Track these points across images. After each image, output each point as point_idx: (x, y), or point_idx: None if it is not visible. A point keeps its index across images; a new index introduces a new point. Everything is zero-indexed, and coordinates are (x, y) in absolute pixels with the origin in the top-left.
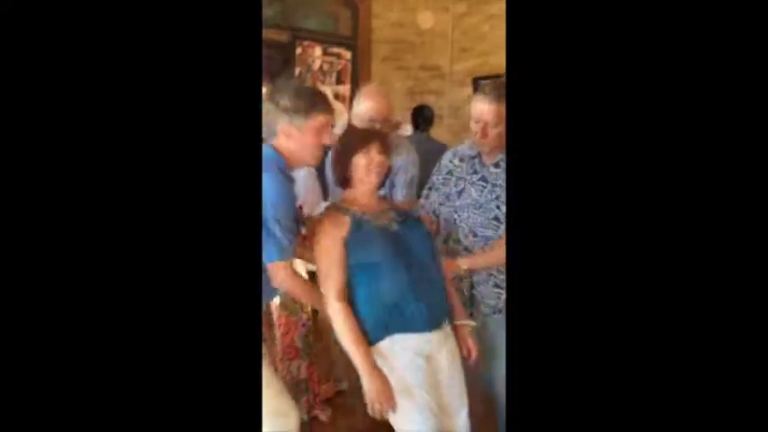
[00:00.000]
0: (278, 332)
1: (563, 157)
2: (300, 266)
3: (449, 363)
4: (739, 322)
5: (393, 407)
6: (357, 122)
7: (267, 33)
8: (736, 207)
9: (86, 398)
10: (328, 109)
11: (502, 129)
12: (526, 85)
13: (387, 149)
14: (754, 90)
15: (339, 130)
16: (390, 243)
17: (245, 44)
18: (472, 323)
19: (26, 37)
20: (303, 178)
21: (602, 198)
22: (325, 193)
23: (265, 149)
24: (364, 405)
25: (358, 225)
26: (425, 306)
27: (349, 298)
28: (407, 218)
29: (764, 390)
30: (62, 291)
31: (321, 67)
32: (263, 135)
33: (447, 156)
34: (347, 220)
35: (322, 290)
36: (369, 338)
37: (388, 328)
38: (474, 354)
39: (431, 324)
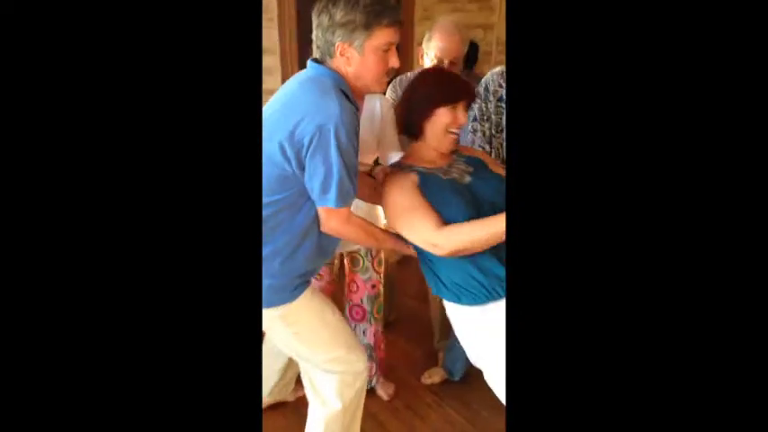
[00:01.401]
0: (346, 288)
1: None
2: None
3: None
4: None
5: None
6: (426, 62)
7: None
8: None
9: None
10: (395, 20)
11: None
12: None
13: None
14: (754, 90)
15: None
16: (465, 197)
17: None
18: None
19: (26, 37)
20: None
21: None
22: None
23: (319, 69)
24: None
25: (426, 177)
26: None
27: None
28: (476, 167)
29: (765, 390)
30: (58, 286)
31: None
32: (317, 56)
33: (492, 79)
34: (413, 174)
35: (411, 235)
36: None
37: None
38: None
39: None
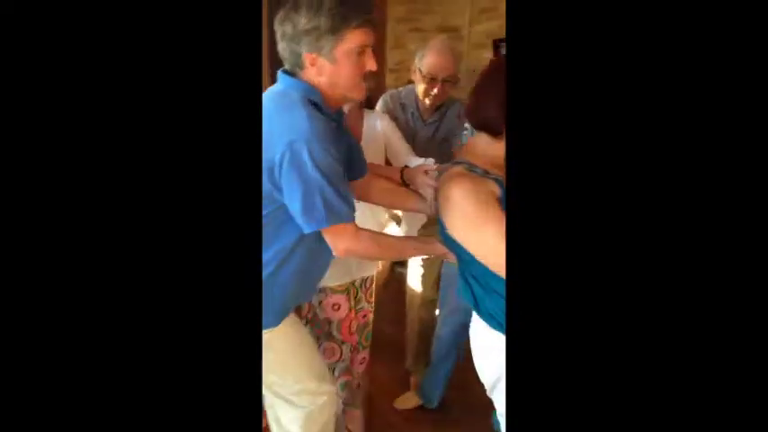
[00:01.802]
0: (335, 314)
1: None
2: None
3: None
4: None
5: None
6: (418, 79)
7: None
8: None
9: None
10: (366, 20)
11: None
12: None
13: None
14: (754, 90)
15: None
16: None
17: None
18: None
19: (26, 37)
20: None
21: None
22: None
23: (287, 81)
24: None
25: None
26: None
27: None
28: None
29: (765, 390)
30: (59, 299)
31: None
32: (288, 67)
33: None
34: (493, 183)
35: (490, 256)
36: None
37: None
38: None
39: None
